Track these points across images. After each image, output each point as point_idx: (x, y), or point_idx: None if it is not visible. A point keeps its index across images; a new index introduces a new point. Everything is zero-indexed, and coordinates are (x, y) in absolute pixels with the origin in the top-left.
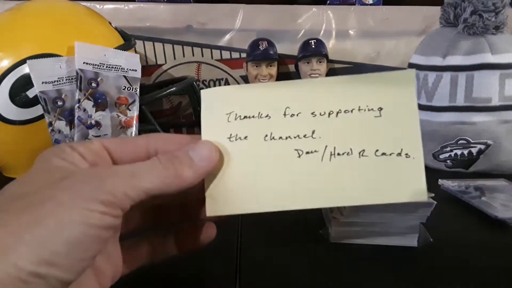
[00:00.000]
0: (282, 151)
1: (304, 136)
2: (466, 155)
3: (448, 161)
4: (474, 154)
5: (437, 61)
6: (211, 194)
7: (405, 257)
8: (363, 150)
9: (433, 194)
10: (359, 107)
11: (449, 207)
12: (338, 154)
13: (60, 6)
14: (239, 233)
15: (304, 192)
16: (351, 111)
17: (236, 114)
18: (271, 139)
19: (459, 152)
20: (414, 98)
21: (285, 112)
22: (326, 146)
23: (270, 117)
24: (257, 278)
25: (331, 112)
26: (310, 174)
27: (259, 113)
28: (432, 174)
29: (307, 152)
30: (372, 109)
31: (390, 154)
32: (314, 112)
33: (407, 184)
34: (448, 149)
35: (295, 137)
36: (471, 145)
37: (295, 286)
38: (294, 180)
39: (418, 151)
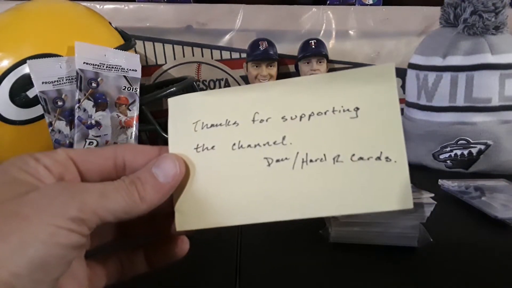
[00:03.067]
0: (251, 160)
1: (274, 143)
2: (466, 155)
3: (448, 161)
4: (474, 154)
5: (437, 61)
6: (180, 208)
7: (405, 257)
8: (338, 156)
9: (433, 194)
10: (333, 108)
11: (449, 207)
12: (311, 160)
13: (60, 6)
14: (239, 233)
15: (275, 203)
16: (325, 113)
17: (203, 123)
18: (239, 148)
19: (459, 152)
20: (395, 95)
21: (253, 118)
22: (297, 153)
23: (238, 124)
24: (257, 278)
25: (303, 115)
26: (281, 184)
27: (227, 120)
28: (432, 174)
29: (277, 160)
30: (347, 109)
31: (368, 159)
32: (284, 116)
33: (389, 191)
34: (448, 149)
35: (264, 145)
36: (471, 145)
37: (295, 286)
38: (264, 190)
39: (400, 154)
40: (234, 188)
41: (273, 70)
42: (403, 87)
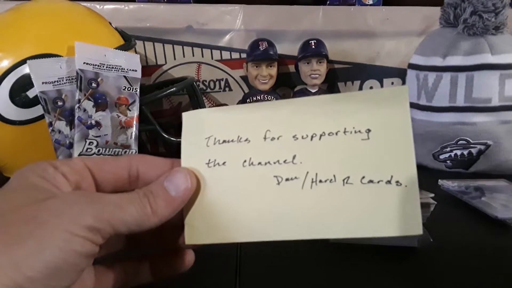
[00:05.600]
0: (261, 178)
1: (284, 161)
2: (466, 155)
3: (448, 161)
4: (474, 154)
5: (437, 61)
6: (190, 222)
7: (405, 257)
8: (348, 177)
9: (433, 194)
10: (345, 129)
11: (449, 207)
12: (320, 181)
13: (60, 6)
14: None
15: (283, 222)
16: (336, 133)
17: (215, 139)
18: (250, 165)
19: (459, 152)
20: (407, 118)
21: (265, 136)
22: (307, 173)
23: (249, 141)
24: (257, 278)
25: (314, 135)
26: (290, 203)
27: (239, 137)
28: (432, 174)
29: (287, 179)
30: (359, 131)
31: (378, 182)
32: (295, 135)
33: (398, 215)
34: (448, 149)
35: (274, 163)
36: (471, 145)
37: (295, 286)
38: (273, 209)
39: (411, 179)
40: (243, 205)
41: (273, 70)
42: None
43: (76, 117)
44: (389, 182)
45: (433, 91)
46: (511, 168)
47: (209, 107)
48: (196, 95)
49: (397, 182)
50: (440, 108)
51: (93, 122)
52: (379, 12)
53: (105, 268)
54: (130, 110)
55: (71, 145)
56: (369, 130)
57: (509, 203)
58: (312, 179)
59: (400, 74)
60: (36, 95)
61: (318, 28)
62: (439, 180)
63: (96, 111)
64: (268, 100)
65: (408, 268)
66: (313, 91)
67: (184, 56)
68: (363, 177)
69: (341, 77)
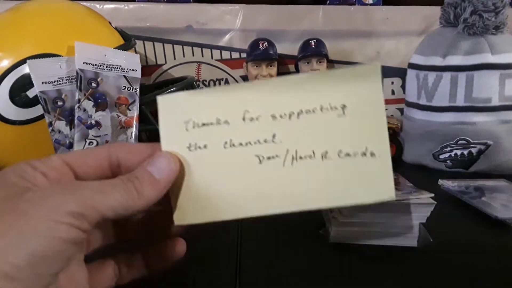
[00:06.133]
0: (243, 158)
1: (265, 141)
2: (466, 155)
3: (448, 161)
4: (474, 154)
5: (437, 61)
6: (177, 203)
7: (405, 257)
8: (326, 152)
9: (433, 194)
10: (321, 106)
11: (449, 207)
12: (300, 157)
13: (60, 6)
14: (239, 233)
15: (267, 198)
16: (313, 110)
17: (194, 122)
18: (231, 146)
19: (459, 152)
20: (380, 94)
21: (244, 117)
22: (287, 150)
23: (229, 123)
24: (257, 278)
25: (292, 113)
26: (272, 180)
27: (217, 119)
28: (432, 174)
29: (268, 158)
30: (335, 107)
31: (354, 154)
32: (274, 115)
33: (374, 183)
34: (448, 149)
35: (255, 143)
36: (471, 145)
37: (295, 286)
38: (257, 186)
39: (383, 149)
40: (228, 184)
41: (273, 70)
42: (403, 87)
43: (76, 117)
44: (364, 154)
45: (433, 90)
46: (511, 168)
47: None
48: None
49: (371, 153)
50: (440, 108)
51: (93, 122)
52: (379, 12)
53: (98, 264)
54: (130, 110)
55: (71, 145)
56: (344, 106)
57: (509, 203)
58: (293, 156)
59: (400, 73)
60: (36, 95)
61: (318, 28)
62: (439, 180)
63: (96, 111)
64: None
65: (408, 268)
66: None
67: (184, 56)
68: (340, 151)
69: None
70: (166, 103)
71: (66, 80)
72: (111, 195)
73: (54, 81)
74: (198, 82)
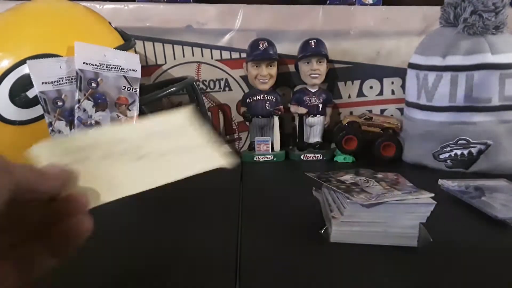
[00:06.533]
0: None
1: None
2: (466, 155)
3: (448, 161)
4: (474, 154)
5: (437, 61)
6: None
7: (405, 257)
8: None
9: (433, 194)
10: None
11: (449, 207)
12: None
13: (60, 6)
14: (239, 233)
15: (136, 181)
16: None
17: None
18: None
19: (459, 152)
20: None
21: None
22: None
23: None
24: (257, 278)
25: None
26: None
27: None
28: (432, 174)
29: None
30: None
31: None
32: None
33: (208, 158)
34: (448, 149)
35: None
36: (471, 145)
37: (295, 286)
38: (126, 175)
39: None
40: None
41: (273, 70)
42: (403, 87)
43: (76, 117)
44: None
45: (433, 90)
46: (511, 168)
47: (209, 106)
48: (196, 95)
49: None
50: (440, 108)
51: (93, 122)
52: (379, 12)
53: None
54: (130, 110)
55: None
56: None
57: (509, 203)
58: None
59: (400, 73)
60: (36, 95)
61: (318, 27)
62: (439, 180)
63: (96, 111)
64: (268, 99)
65: (408, 268)
66: (313, 90)
67: (184, 56)
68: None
69: (341, 76)
70: (41, 150)
71: (66, 80)
72: (17, 171)
73: (54, 81)
74: (198, 82)
